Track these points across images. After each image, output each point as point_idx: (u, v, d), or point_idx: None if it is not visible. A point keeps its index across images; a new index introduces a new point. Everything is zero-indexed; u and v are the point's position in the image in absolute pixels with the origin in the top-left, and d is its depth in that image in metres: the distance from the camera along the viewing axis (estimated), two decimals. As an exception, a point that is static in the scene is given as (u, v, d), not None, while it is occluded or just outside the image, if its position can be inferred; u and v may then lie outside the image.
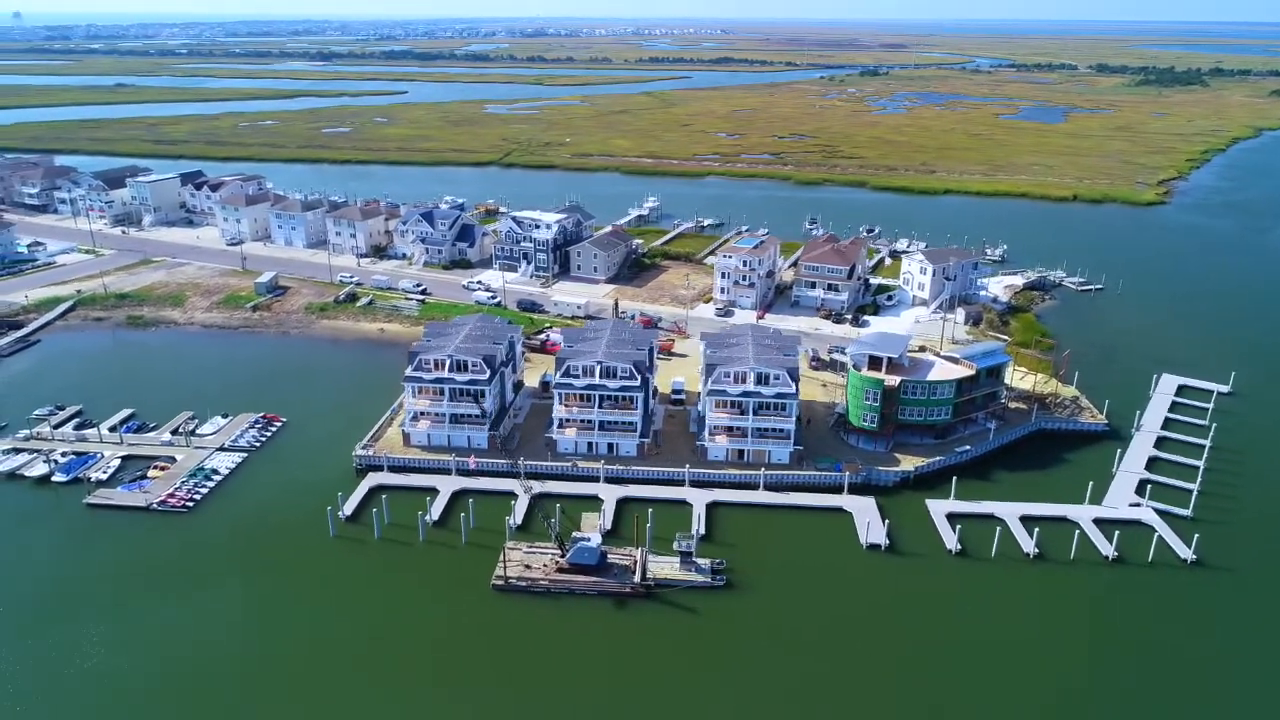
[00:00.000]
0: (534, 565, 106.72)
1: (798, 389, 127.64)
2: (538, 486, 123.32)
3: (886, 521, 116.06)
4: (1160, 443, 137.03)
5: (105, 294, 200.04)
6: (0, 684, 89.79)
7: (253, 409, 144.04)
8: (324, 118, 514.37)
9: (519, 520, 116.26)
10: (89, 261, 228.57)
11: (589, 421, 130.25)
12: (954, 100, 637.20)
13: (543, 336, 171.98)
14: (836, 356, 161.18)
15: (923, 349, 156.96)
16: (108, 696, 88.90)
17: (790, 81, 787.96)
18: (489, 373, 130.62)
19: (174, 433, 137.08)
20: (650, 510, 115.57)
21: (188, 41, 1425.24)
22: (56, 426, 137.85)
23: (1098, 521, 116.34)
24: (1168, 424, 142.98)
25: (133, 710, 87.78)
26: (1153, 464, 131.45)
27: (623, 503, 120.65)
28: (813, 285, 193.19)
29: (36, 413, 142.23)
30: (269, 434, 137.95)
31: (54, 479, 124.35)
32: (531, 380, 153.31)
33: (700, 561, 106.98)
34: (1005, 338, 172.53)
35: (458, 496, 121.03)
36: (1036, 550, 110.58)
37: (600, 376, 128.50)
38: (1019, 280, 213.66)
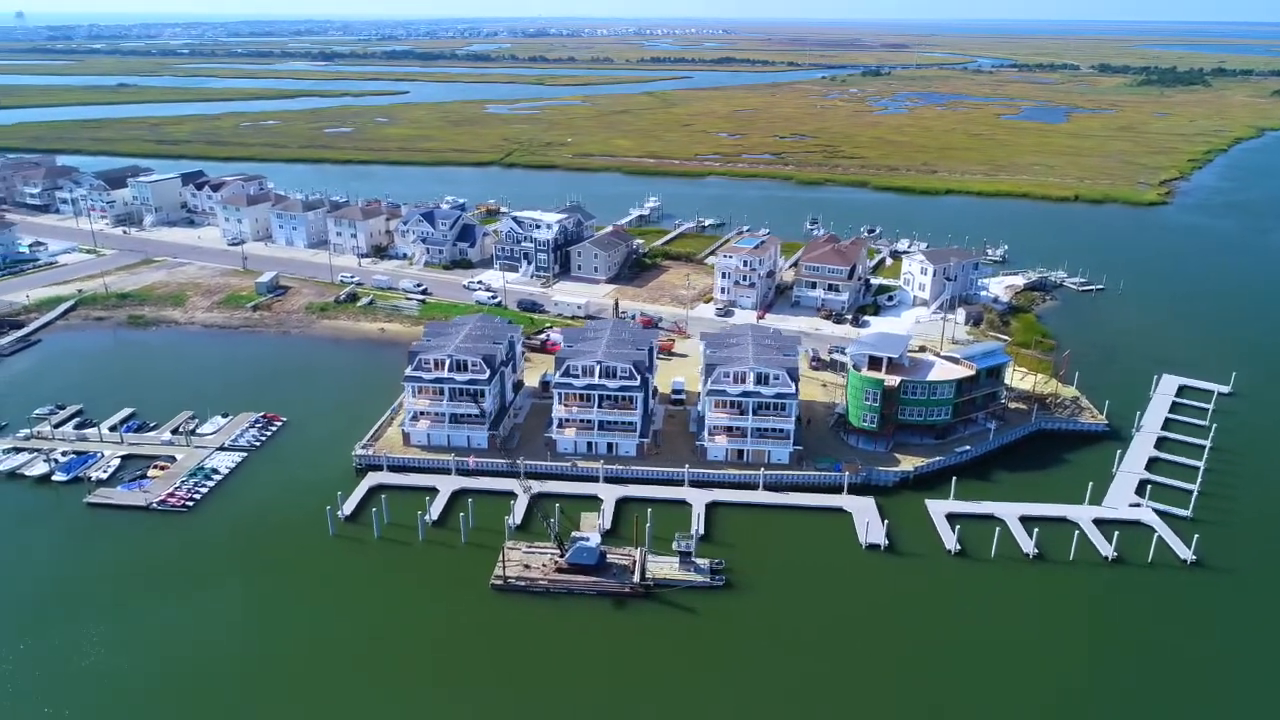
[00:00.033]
0: (533, 565, 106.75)
1: (797, 389, 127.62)
2: (537, 486, 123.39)
3: (886, 522, 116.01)
4: (1160, 443, 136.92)
5: (106, 294, 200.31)
6: (0, 684, 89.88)
7: (253, 408, 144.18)
8: (326, 118, 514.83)
9: (518, 520, 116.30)
10: (90, 261, 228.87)
11: (588, 421, 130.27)
12: (955, 100, 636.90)
13: (543, 336, 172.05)
14: (837, 357, 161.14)
15: (923, 349, 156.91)
16: (108, 696, 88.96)
17: (792, 81, 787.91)
18: (489, 372, 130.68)
19: (174, 432, 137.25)
20: (650, 510, 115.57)
21: (190, 41, 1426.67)
22: (57, 426, 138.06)
23: (1097, 522, 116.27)
24: (1168, 424, 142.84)
25: (133, 710, 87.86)
26: (1153, 464, 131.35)
27: (622, 503, 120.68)
28: (813, 285, 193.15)
29: (37, 412, 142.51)
30: (269, 433, 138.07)
31: (54, 478, 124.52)
32: (532, 380, 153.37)
33: (699, 561, 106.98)
34: (1005, 338, 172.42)
35: (457, 496, 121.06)
36: (1036, 550, 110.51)
37: (600, 376, 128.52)
38: (1020, 280, 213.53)
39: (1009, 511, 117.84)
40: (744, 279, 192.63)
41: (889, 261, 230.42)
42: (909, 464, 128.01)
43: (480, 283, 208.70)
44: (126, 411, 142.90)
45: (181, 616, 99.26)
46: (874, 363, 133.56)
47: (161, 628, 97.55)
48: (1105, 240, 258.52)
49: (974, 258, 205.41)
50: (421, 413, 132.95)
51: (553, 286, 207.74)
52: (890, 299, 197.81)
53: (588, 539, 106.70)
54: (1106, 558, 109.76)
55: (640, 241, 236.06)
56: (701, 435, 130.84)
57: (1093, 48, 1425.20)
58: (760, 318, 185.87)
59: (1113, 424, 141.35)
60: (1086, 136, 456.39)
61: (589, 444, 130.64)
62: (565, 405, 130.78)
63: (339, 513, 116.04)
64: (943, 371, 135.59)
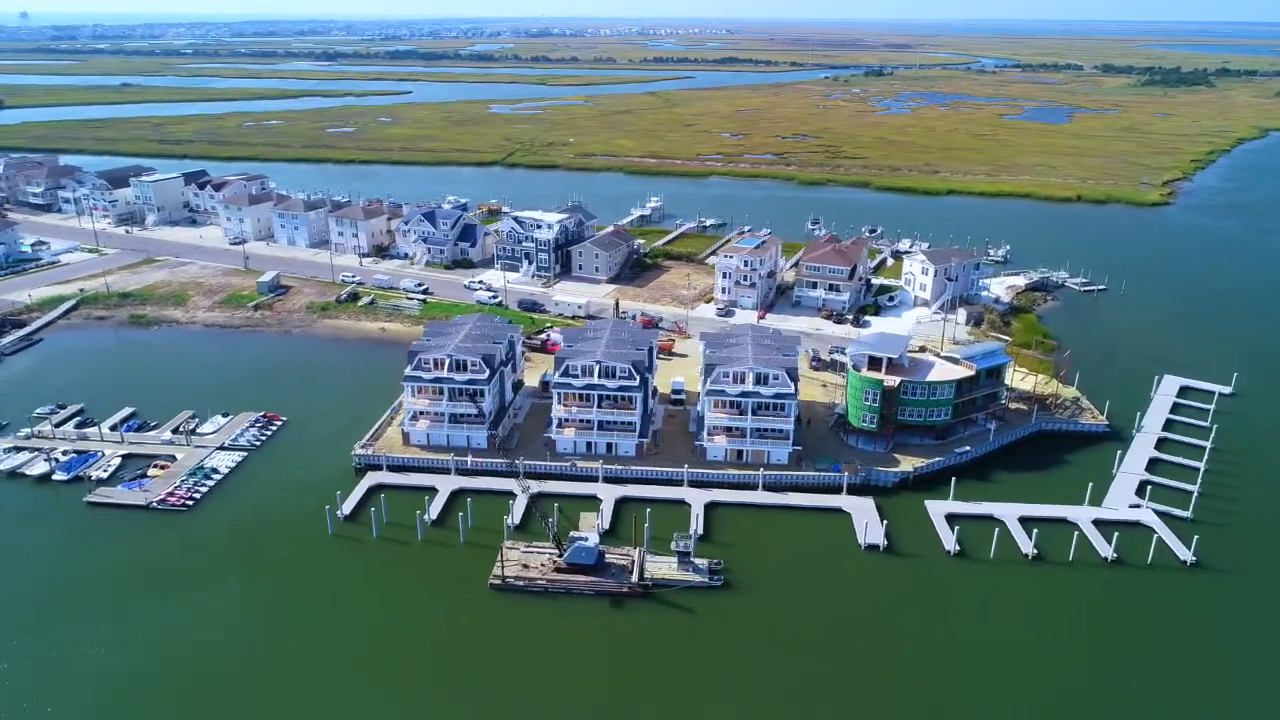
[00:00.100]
0: (532, 565, 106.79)
1: (797, 389, 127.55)
2: (536, 486, 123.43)
3: (885, 522, 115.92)
4: (1161, 444, 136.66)
5: (108, 293, 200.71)
6: (0, 683, 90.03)
7: (253, 408, 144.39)
8: (328, 118, 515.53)
9: (517, 520, 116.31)
10: (92, 261, 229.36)
11: (588, 421, 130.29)
12: (958, 100, 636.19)
13: (543, 336, 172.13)
14: (837, 357, 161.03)
15: (923, 349, 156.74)
16: (108, 696, 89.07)
17: (795, 82, 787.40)
18: (488, 372, 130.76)
19: (174, 431, 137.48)
20: (648, 510, 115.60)
21: (193, 41, 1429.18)
22: (58, 425, 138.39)
23: (1097, 523, 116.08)
24: (1169, 425, 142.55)
25: (133, 710, 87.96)
26: (1153, 465, 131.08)
27: (621, 502, 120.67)
28: (814, 285, 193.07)
29: (38, 411, 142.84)
30: (269, 433, 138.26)
31: (54, 477, 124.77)
32: (532, 380, 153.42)
33: (698, 561, 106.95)
34: (1006, 338, 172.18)
35: (456, 496, 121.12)
36: (1035, 551, 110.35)
37: (599, 376, 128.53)
38: (1021, 281, 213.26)
39: (1008, 512, 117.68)
40: (745, 279, 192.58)
41: (890, 262, 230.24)
42: (908, 464, 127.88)
43: (481, 282, 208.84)
44: (127, 411, 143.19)
45: (181, 616, 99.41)
46: (874, 363, 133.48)
47: (161, 627, 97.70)
48: (1107, 241, 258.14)
49: (975, 258, 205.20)
50: (421, 412, 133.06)
51: (553, 286, 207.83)
52: (891, 299, 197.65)
53: (586, 539, 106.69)
54: (1106, 558, 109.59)
55: (641, 241, 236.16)
56: (701, 435, 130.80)
57: (1096, 48, 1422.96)
58: (761, 318, 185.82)
59: (1113, 425, 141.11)
60: (1089, 137, 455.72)
61: (588, 444, 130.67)
62: (565, 405, 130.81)
63: (338, 512, 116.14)
64: (943, 372, 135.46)
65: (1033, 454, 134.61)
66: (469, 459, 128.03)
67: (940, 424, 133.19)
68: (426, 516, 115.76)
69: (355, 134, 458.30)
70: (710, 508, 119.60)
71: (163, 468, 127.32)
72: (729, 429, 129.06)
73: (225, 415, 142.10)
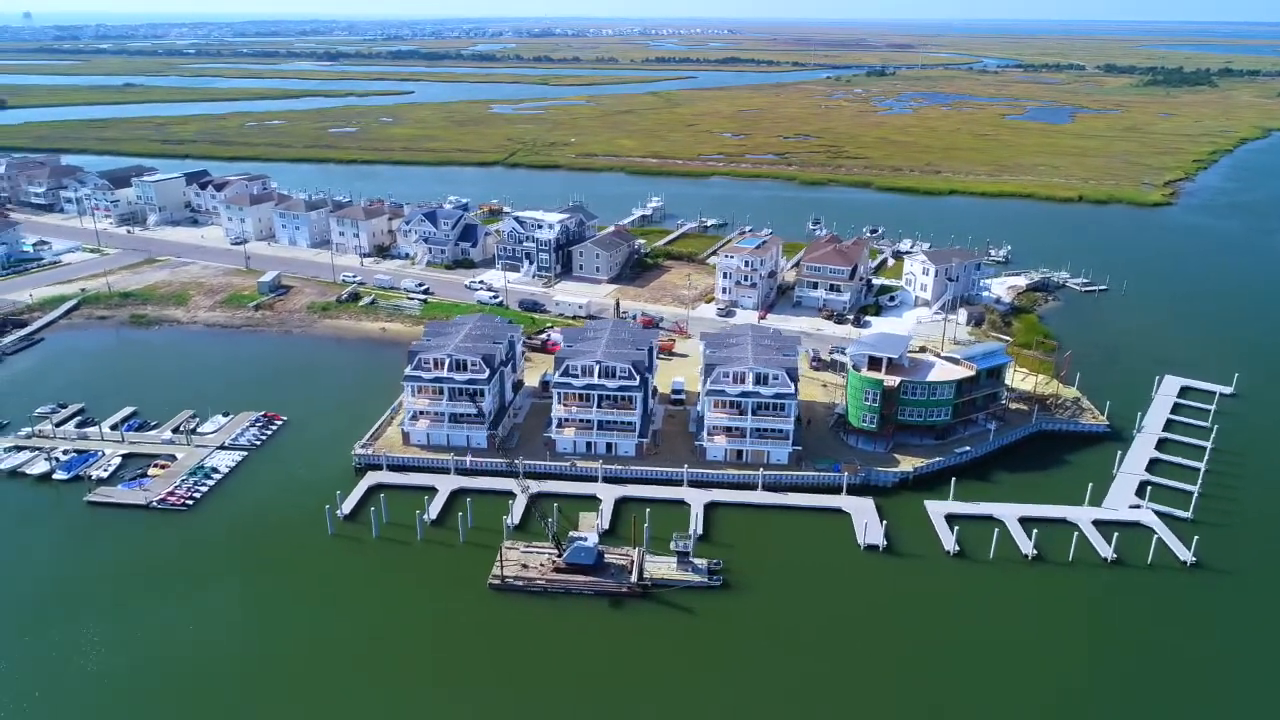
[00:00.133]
0: (531, 565, 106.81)
1: (796, 389, 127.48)
2: (535, 486, 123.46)
3: (884, 522, 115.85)
4: (1161, 444, 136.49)
5: (109, 293, 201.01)
6: (0, 683, 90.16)
7: (254, 408, 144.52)
8: (330, 118, 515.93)
9: (516, 520, 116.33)
10: (94, 260, 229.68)
11: (588, 421, 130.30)
12: (960, 100, 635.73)
13: (544, 336, 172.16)
14: (837, 357, 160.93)
15: (923, 349, 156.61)
16: (108, 696, 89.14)
17: (797, 82, 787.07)
18: (488, 372, 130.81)
19: (175, 431, 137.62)
20: (648, 510, 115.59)
21: (196, 41, 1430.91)
22: (58, 424, 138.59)
23: (1097, 523, 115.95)
24: (1169, 425, 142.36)
25: (132, 709, 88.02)
26: (1153, 466, 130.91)
27: (621, 502, 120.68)
28: (815, 286, 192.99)
29: (39, 410, 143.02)
30: (269, 433, 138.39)
31: (55, 476, 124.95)
32: (532, 380, 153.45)
33: (697, 561, 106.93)
34: (1007, 338, 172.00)
35: (456, 496, 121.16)
36: (1035, 552, 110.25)
37: (599, 376, 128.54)
38: (1022, 281, 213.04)
39: (1008, 512, 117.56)
40: (745, 279, 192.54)
41: (891, 262, 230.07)
42: (908, 464, 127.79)
43: (482, 282, 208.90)
44: (128, 410, 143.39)
45: (181, 615, 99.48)
46: (874, 363, 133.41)
47: (161, 626, 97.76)
48: (1109, 241, 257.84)
49: (976, 258, 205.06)
50: (421, 412, 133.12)
51: (554, 286, 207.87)
52: (892, 299, 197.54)
53: (585, 539, 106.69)
54: (1106, 559, 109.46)
55: (642, 241, 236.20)
56: (700, 435, 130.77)
57: (1099, 48, 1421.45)
58: (761, 318, 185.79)
59: (1114, 425, 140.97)
60: (1091, 137, 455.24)
61: (588, 444, 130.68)
62: (564, 405, 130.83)
63: (338, 512, 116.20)
64: (943, 372, 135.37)
65: (1033, 454, 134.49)
66: (468, 459, 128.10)
67: (940, 424, 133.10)
68: (426, 516, 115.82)
69: (357, 134, 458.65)
70: (710, 508, 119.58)
71: (163, 467, 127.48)
72: (729, 429, 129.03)
73: (225, 415, 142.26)
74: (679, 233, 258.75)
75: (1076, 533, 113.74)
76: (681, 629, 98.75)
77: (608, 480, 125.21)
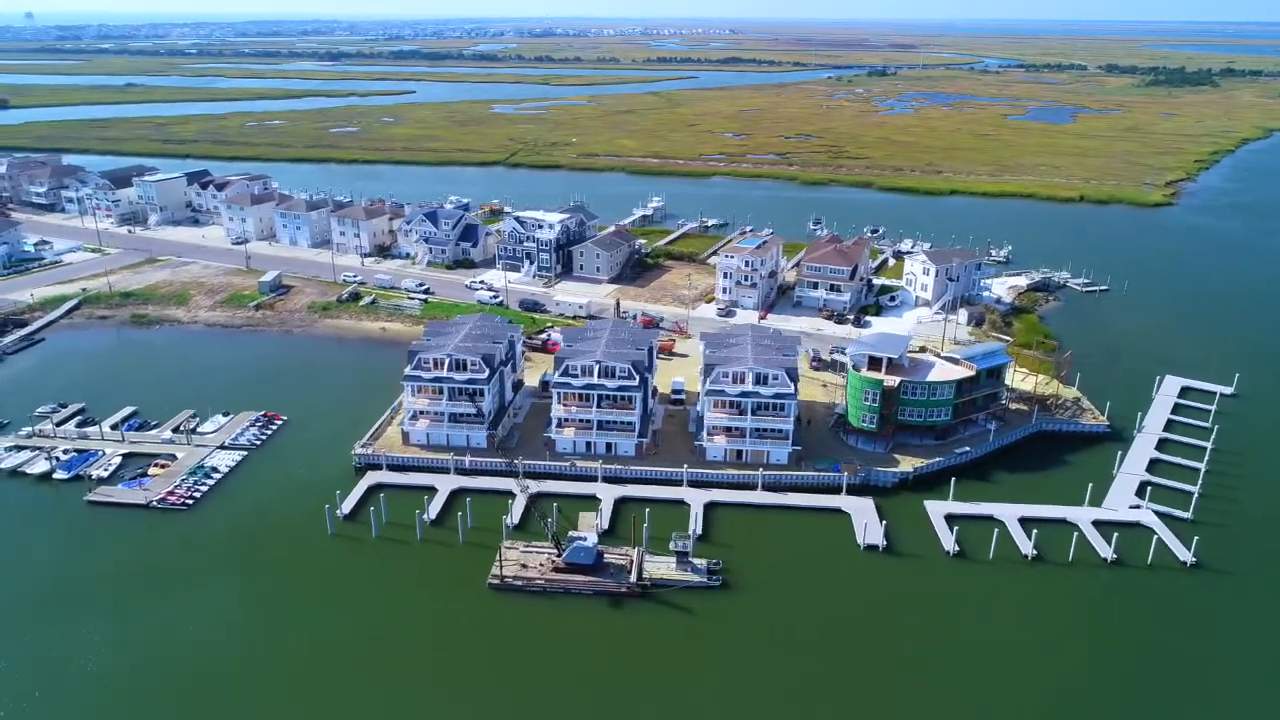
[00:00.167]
0: (530, 565, 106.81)
1: (796, 389, 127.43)
2: (535, 486, 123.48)
3: (884, 522, 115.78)
4: (1162, 445, 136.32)
5: (110, 292, 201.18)
6: (0, 683, 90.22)
7: (254, 407, 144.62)
8: (332, 118, 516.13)
9: (516, 520, 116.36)
10: (95, 260, 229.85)
11: (587, 421, 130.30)
12: (961, 100, 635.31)
13: (544, 336, 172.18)
14: (837, 357, 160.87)
15: (923, 349, 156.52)
16: (108, 696, 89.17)
17: (798, 82, 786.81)
18: (488, 372, 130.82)
19: (175, 430, 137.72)
20: (647, 510, 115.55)
21: (198, 41, 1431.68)
22: (59, 424, 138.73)
23: (1097, 524, 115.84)
24: (1170, 426, 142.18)
25: (132, 709, 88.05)
26: (1154, 466, 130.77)
27: (620, 502, 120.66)
28: (815, 286, 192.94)
29: (39, 410, 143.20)
30: (269, 432, 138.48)
31: (55, 476, 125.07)
32: (532, 380, 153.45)
33: (696, 561, 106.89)
34: (1007, 338, 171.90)
35: (456, 495, 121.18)
36: (1035, 552, 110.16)
37: (599, 376, 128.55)
38: (1023, 281, 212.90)
39: (1008, 513, 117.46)
40: (745, 279, 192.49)
41: (892, 262, 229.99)
42: (908, 465, 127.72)
43: (482, 282, 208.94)
44: (128, 410, 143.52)
45: (181, 615, 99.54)
46: (874, 363, 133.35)
47: (161, 626, 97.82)
48: (1110, 241, 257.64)
49: (977, 258, 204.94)
50: (421, 412, 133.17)
51: (554, 286, 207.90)
52: (892, 299, 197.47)
53: (585, 538, 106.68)
54: (1106, 559, 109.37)
55: (643, 241, 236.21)
56: (700, 435, 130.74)
57: (1100, 48, 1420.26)
58: (762, 318, 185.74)
59: (1114, 425, 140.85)
60: (1093, 137, 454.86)
61: (588, 444, 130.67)
62: (564, 405, 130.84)
63: (337, 512, 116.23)
64: (943, 372, 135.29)
65: (1033, 454, 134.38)
66: (467, 459, 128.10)
67: (940, 424, 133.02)
68: (426, 516, 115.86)
69: (358, 134, 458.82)
70: (709, 508, 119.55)
71: (163, 467, 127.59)
72: (728, 429, 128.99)
73: (226, 414, 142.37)
74: (679, 233, 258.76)
75: (1076, 533, 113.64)
76: (681, 629, 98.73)
77: (607, 480, 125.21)
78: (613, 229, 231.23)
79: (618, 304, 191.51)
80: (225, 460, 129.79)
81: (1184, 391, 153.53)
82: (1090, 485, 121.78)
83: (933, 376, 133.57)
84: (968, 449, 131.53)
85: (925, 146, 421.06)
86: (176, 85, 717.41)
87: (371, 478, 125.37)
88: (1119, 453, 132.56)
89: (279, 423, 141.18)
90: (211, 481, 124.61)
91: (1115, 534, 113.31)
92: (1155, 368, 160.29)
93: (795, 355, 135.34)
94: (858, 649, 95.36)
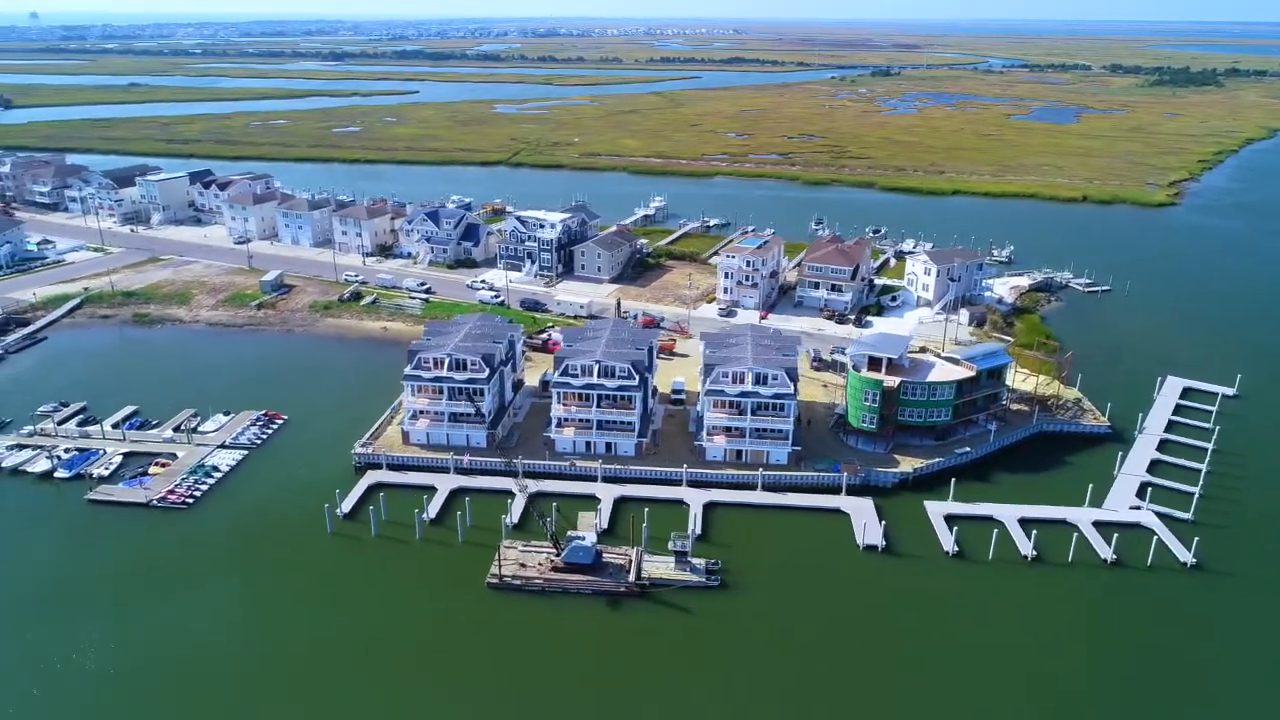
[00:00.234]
0: (529, 564, 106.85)
1: (796, 389, 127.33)
2: (534, 485, 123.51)
3: (883, 523, 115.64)
4: (1163, 445, 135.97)
5: (112, 292, 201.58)
6: (0, 682, 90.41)
7: (255, 407, 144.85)
8: (335, 117, 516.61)
9: (515, 519, 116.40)
10: (97, 259, 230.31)
11: (587, 421, 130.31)
12: (965, 100, 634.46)
13: (545, 336, 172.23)
14: (838, 357, 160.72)
15: (923, 350, 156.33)
16: (108, 696, 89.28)
17: (801, 81, 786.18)
18: (488, 371, 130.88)
19: (176, 430, 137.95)
20: (646, 510, 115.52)
21: (202, 41, 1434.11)
22: (60, 423, 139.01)
23: (1097, 524, 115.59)
24: (1171, 427, 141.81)
25: (132, 709, 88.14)
26: (1154, 467, 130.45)
27: (620, 502, 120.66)
28: (816, 286, 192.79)
29: (41, 409, 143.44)
30: (270, 431, 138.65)
31: (56, 475, 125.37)
32: (533, 379, 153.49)
33: (695, 561, 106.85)
34: (1009, 339, 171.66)
35: (455, 495, 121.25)
36: (1034, 553, 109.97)
37: (598, 376, 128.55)
38: (1025, 281, 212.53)
39: (1008, 513, 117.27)
40: (746, 279, 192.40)
41: (893, 262, 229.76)
42: (908, 465, 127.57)
43: (483, 282, 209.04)
44: (129, 409, 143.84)
45: (181, 614, 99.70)
46: (874, 363, 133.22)
47: (161, 625, 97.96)
48: (1112, 241, 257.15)
49: (978, 258, 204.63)
50: (421, 411, 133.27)
51: (556, 286, 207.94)
52: (894, 299, 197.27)
53: (583, 538, 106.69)
54: (1105, 560, 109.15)
55: (644, 241, 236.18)
56: (700, 435, 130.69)
57: (1105, 48, 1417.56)
58: (763, 318, 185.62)
59: (1115, 426, 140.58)
60: (1096, 137, 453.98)
61: (587, 443, 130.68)
62: (564, 404, 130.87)
63: (337, 511, 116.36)
64: (943, 372, 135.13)
65: (1033, 455, 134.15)
66: (466, 458, 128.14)
67: (940, 425, 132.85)
68: (425, 515, 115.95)
69: (361, 134, 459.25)
70: (709, 508, 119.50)
71: (163, 466, 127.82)
72: (728, 429, 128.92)
73: (226, 414, 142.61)
74: (681, 232, 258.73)
75: (1076, 534, 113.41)
76: (679, 629, 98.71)
77: (607, 480, 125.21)
78: (614, 229, 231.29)
79: (619, 304, 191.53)
80: (226, 459, 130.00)
81: (1185, 392, 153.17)
82: (1090, 486, 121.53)
83: (933, 377, 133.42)
84: (968, 449, 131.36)
85: (928, 146, 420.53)
86: (180, 85, 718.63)
87: (371, 477, 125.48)
88: (1120, 453, 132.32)
89: (279, 422, 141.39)
90: (212, 480, 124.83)
91: (1115, 535, 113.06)
92: (1157, 368, 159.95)
93: (795, 355, 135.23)
94: (857, 649, 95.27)
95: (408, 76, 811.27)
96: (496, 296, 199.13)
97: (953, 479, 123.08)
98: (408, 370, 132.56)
